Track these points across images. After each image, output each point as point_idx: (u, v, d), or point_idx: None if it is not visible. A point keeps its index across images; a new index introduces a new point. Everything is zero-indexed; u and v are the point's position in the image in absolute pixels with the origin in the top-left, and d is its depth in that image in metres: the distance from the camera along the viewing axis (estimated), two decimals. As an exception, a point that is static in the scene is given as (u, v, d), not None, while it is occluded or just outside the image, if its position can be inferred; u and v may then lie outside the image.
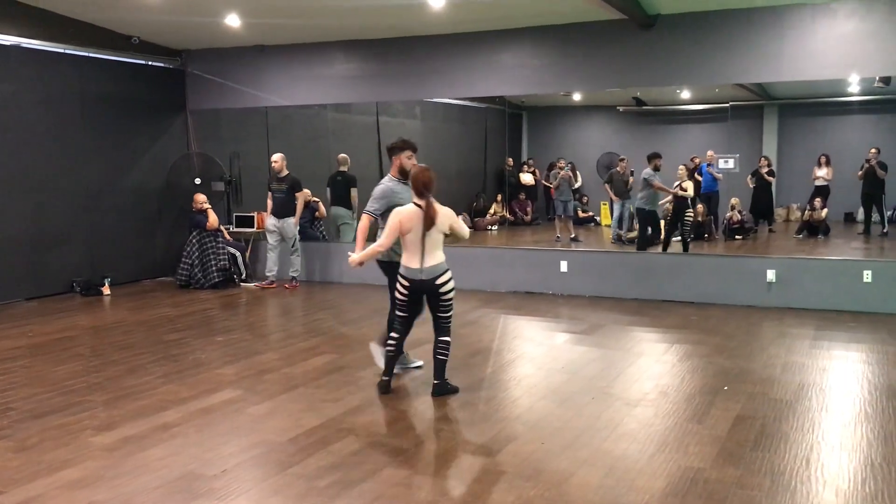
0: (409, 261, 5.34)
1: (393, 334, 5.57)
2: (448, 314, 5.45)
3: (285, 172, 10.34)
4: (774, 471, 4.12)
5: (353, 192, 11.07)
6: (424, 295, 5.44)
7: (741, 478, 4.03)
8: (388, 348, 5.59)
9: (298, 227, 10.57)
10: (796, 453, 4.37)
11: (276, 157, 10.38)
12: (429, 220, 5.24)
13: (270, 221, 10.47)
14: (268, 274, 10.54)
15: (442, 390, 5.49)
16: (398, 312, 5.53)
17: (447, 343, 5.46)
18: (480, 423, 4.95)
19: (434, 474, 4.16)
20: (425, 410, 5.23)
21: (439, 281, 5.33)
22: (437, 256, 5.33)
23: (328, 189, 11.39)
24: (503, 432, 4.78)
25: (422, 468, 4.24)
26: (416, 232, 5.28)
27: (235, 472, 4.18)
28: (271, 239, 10.51)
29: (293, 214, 10.41)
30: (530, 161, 15.64)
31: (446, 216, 5.36)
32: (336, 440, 4.62)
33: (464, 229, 5.60)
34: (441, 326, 5.45)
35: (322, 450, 4.46)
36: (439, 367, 5.48)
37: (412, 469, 4.21)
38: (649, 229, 11.26)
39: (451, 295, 5.40)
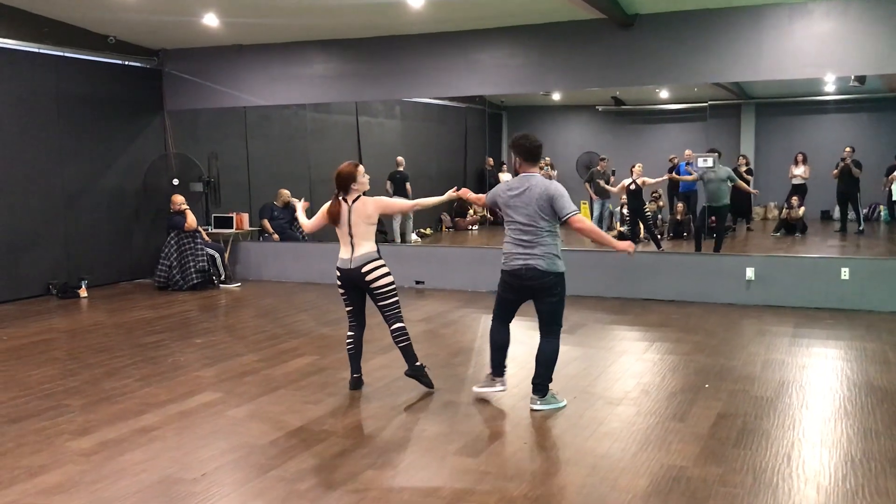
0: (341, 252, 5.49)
1: (348, 332, 5.63)
2: (385, 300, 5.42)
3: None
4: (756, 468, 4.14)
5: (407, 185, 13.02)
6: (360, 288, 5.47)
7: (723, 475, 4.04)
8: (348, 347, 5.64)
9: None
10: (777, 450, 4.39)
11: None
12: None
13: None
14: None
15: (417, 373, 5.52)
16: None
17: (401, 329, 5.46)
18: (462, 423, 4.93)
19: (416, 475, 4.14)
20: (407, 411, 5.21)
21: (365, 269, 5.34)
22: (363, 247, 5.37)
23: (388, 182, 12.96)
24: (486, 432, 4.77)
25: (404, 469, 4.22)
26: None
27: (215, 475, 4.13)
28: None
29: None
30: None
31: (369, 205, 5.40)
32: (317, 442, 4.59)
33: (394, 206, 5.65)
34: (388, 317, 5.47)
35: (303, 452, 4.43)
36: (406, 353, 5.50)
37: (394, 470, 4.19)
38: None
39: (384, 281, 5.38)
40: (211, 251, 10.68)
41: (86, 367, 6.45)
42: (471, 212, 15.13)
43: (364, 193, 5.45)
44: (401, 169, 13.29)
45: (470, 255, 10.46)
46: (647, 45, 8.99)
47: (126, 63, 11.06)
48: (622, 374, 6.08)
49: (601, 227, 13.11)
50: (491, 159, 15.23)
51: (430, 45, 10.03)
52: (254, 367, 6.34)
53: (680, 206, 12.95)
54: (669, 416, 5.02)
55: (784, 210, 13.37)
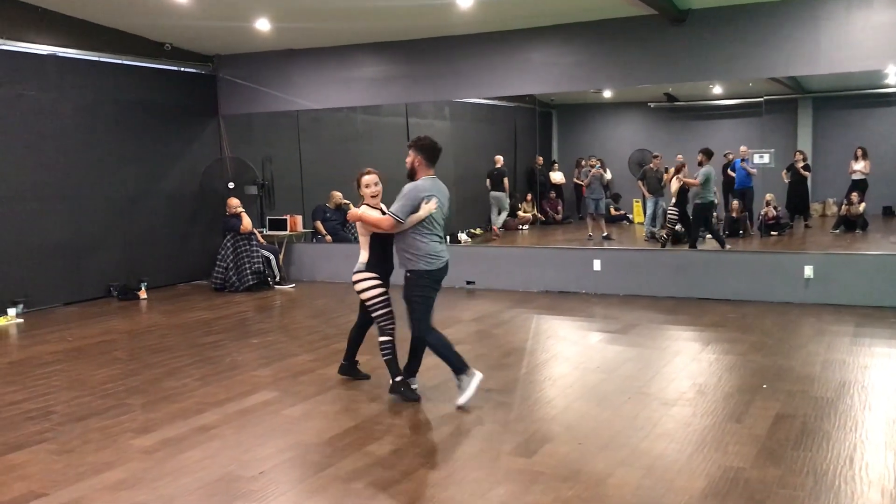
0: None
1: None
2: (371, 314, 5.51)
3: None
4: (817, 470, 4.05)
5: (506, 180, 13.86)
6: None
7: (783, 477, 3.96)
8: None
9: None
10: (839, 452, 4.29)
11: None
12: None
13: None
14: None
15: (395, 389, 5.47)
16: None
17: (380, 342, 5.49)
18: (516, 423, 4.93)
19: (470, 475, 4.15)
20: (460, 411, 5.21)
21: (352, 279, 5.51)
22: (360, 255, 5.48)
23: (488, 180, 13.94)
24: (539, 433, 4.76)
25: (458, 469, 4.23)
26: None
27: (273, 473, 4.21)
28: None
29: None
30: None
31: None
32: (372, 441, 4.63)
33: (373, 220, 5.28)
34: (378, 328, 5.53)
35: (358, 451, 4.48)
36: (389, 366, 5.50)
37: (448, 470, 4.21)
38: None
39: (364, 295, 5.46)
40: (266, 253, 10.85)
41: (146, 366, 6.61)
42: (520, 211, 15.09)
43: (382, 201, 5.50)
44: (498, 166, 13.88)
45: (520, 256, 10.44)
46: (700, 40, 8.86)
47: (182, 69, 11.31)
48: (677, 374, 6.00)
49: (654, 225, 12.97)
50: (541, 158, 15.16)
51: (480, 45, 10.04)
52: (309, 367, 6.43)
53: (735, 203, 12.73)
54: (726, 416, 4.94)
55: (843, 206, 13.04)
